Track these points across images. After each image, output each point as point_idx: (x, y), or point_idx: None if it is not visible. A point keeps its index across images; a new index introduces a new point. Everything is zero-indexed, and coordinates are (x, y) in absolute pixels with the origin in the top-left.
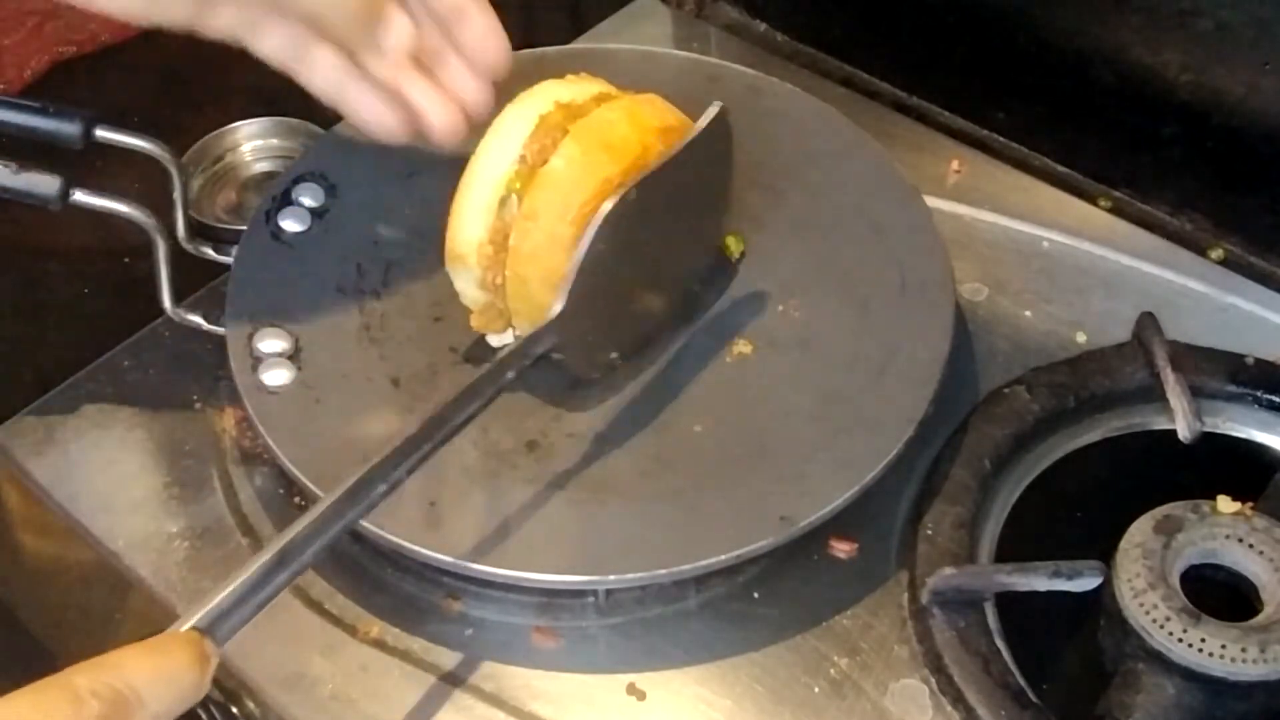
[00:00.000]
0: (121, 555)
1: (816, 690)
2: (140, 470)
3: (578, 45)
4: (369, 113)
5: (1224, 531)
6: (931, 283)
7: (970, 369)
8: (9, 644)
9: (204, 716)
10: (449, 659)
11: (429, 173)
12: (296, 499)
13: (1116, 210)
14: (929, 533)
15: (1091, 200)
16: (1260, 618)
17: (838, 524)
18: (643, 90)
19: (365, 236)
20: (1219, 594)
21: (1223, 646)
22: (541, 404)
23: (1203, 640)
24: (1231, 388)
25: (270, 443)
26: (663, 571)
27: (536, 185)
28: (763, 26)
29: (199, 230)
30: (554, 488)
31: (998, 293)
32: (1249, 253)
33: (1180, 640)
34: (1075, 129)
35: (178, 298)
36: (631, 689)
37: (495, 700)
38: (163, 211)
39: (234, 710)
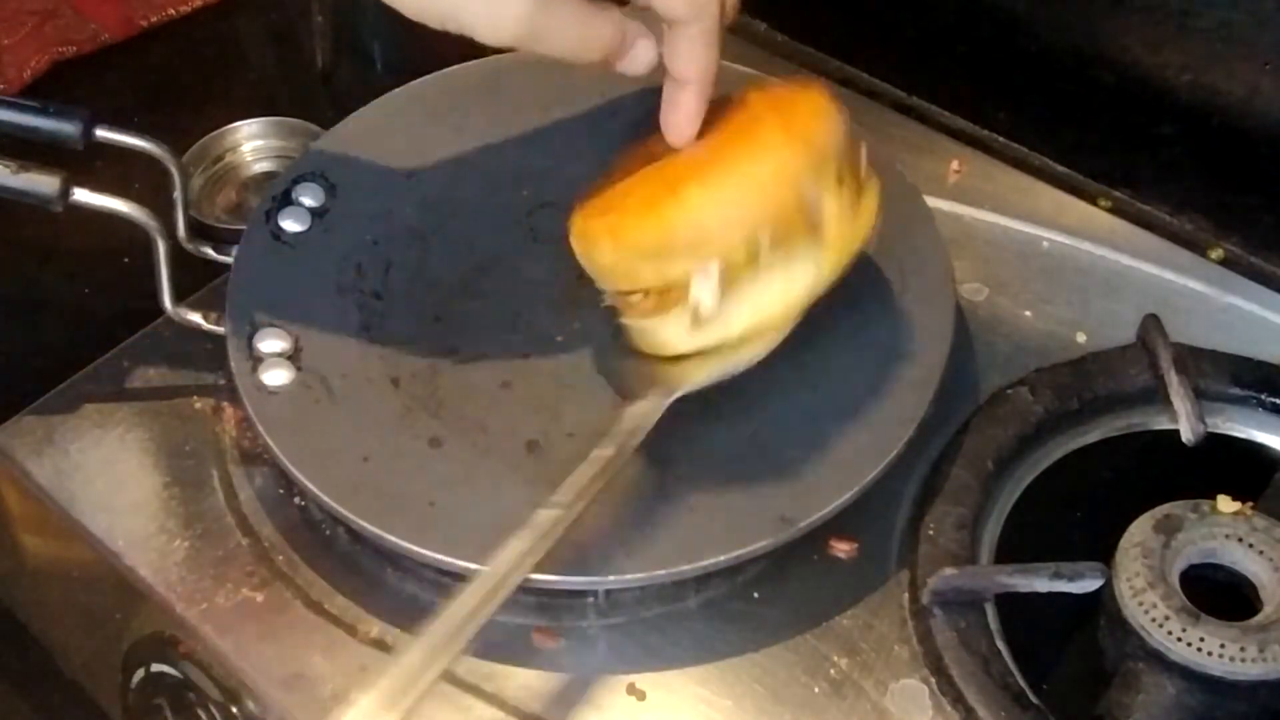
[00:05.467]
0: (121, 555)
1: (816, 690)
2: (140, 470)
3: None
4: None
5: (1224, 531)
6: (931, 283)
7: (970, 369)
8: (9, 644)
9: (204, 717)
10: None
11: (429, 173)
12: (296, 499)
13: (1116, 210)
14: (930, 533)
15: (1091, 200)
16: (1260, 617)
17: (838, 524)
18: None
19: (365, 236)
20: (1219, 594)
21: (1222, 646)
22: (541, 404)
23: (1202, 640)
24: (1235, 390)
25: (270, 443)
26: (662, 572)
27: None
28: (763, 26)
29: (199, 230)
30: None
31: (998, 293)
32: (1249, 253)
33: (1180, 640)
34: (1075, 129)
35: (178, 297)
36: (631, 689)
37: (495, 700)
38: (163, 211)
39: (234, 710)
